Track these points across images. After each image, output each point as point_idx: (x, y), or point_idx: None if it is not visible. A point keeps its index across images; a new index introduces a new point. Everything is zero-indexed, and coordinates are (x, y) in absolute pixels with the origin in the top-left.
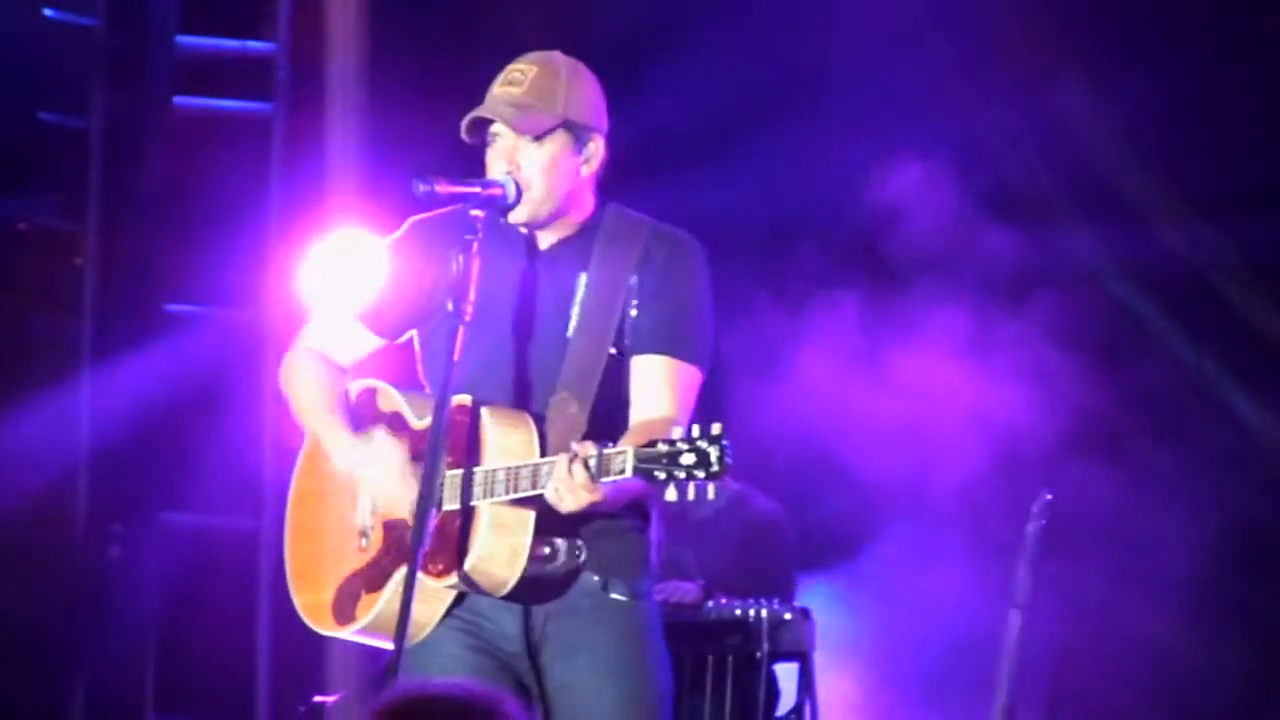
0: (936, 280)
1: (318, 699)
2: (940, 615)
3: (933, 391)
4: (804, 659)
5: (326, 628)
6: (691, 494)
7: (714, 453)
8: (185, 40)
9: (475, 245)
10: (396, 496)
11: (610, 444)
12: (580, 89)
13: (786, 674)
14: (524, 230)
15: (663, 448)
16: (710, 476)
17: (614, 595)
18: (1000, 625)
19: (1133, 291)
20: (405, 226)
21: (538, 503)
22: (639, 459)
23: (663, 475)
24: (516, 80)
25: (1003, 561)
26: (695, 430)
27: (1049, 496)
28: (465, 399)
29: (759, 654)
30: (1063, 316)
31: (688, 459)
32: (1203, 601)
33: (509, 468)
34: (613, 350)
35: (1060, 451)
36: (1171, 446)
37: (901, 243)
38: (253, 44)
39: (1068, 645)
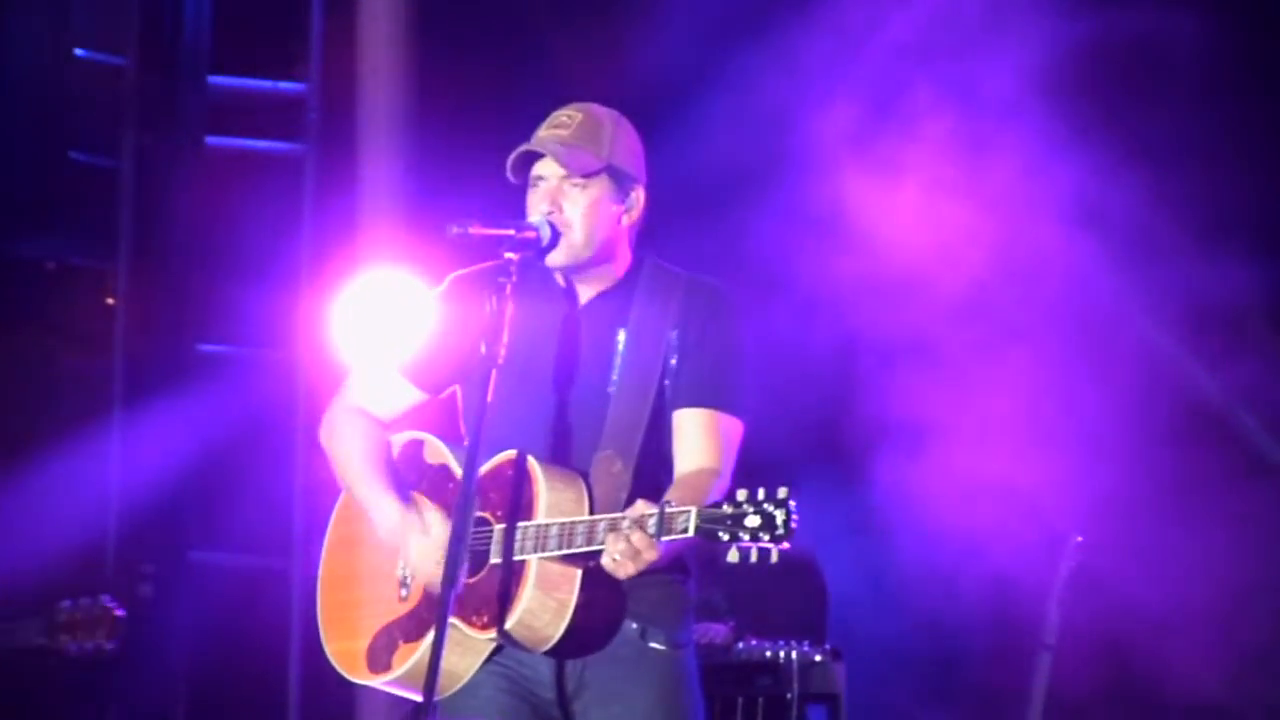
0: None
1: None
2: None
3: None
4: (834, 701)
5: (360, 676)
6: (755, 557)
7: (780, 516)
8: (217, 80)
9: (509, 288)
10: (440, 576)
11: (670, 503)
12: (624, 139)
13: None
14: (562, 283)
15: (727, 509)
16: (775, 540)
17: (653, 644)
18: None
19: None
20: (447, 281)
21: (585, 560)
22: (702, 519)
23: (726, 536)
24: (564, 124)
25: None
26: (761, 492)
27: (1080, 539)
28: (512, 453)
29: (789, 695)
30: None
31: (752, 521)
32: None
33: (563, 523)
34: (654, 406)
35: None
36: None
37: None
38: (284, 84)
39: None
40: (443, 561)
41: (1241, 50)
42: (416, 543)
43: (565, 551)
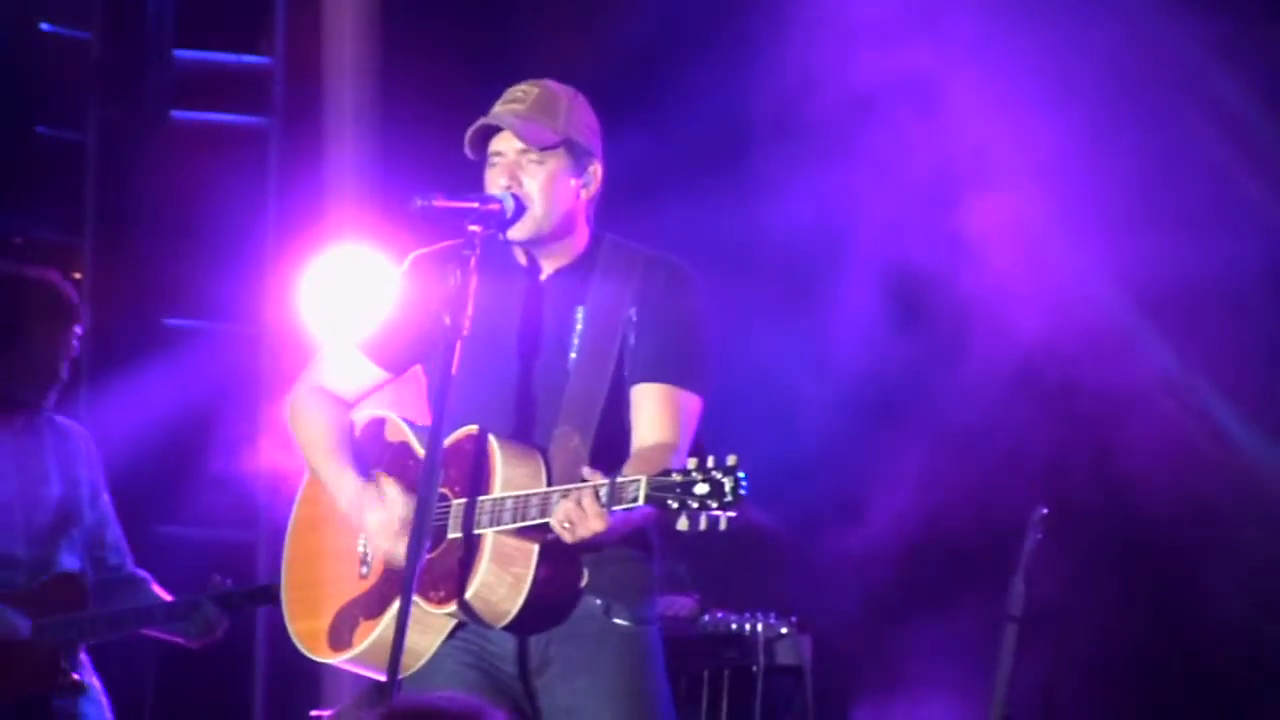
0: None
1: (314, 714)
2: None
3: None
4: (800, 673)
5: (322, 654)
6: (704, 524)
7: (728, 484)
8: (182, 53)
9: (473, 261)
10: (400, 551)
11: (618, 473)
12: (580, 113)
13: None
14: (523, 260)
15: (676, 477)
16: (724, 507)
17: (617, 620)
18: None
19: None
20: (408, 261)
21: (542, 534)
22: (651, 487)
23: (675, 504)
24: (519, 99)
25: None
26: (710, 460)
27: (1044, 511)
28: (472, 428)
29: (755, 668)
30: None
31: (701, 489)
32: (1199, 611)
33: (517, 496)
34: (612, 382)
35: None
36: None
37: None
38: (249, 57)
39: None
40: (401, 535)
41: None
42: (374, 516)
43: (521, 524)
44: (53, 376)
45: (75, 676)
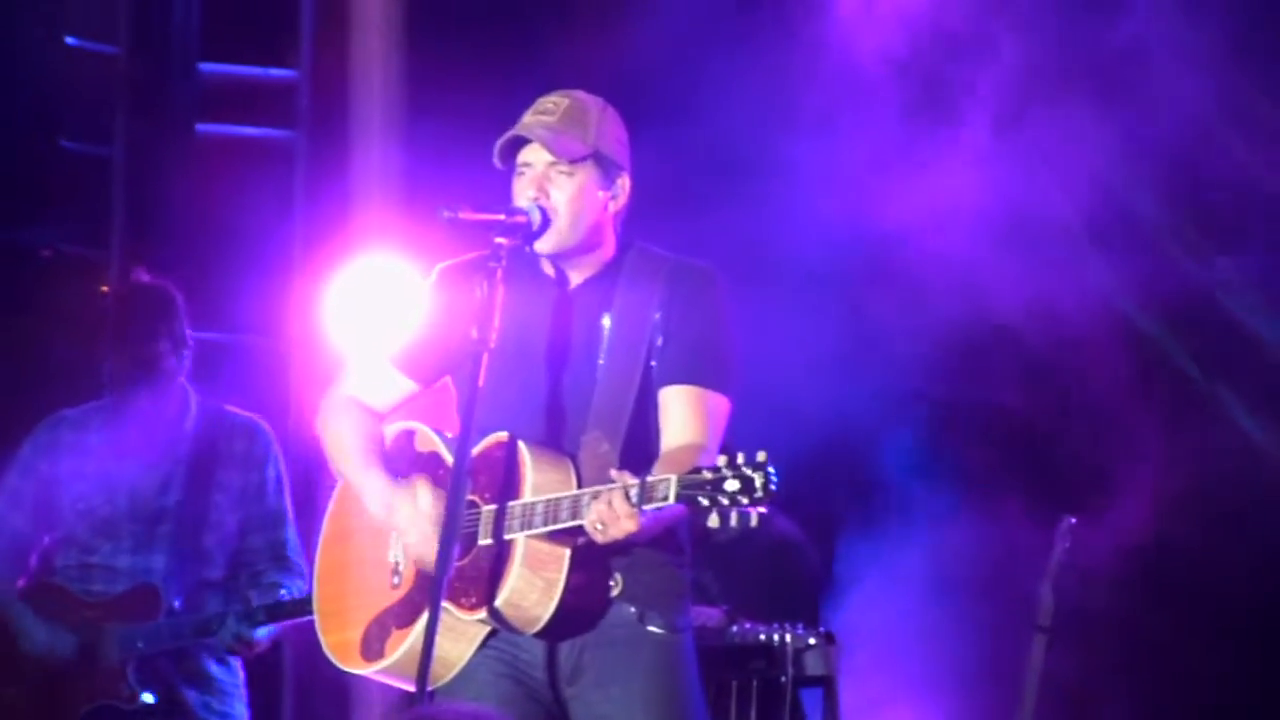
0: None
1: None
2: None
3: None
4: (828, 684)
5: (353, 665)
6: (735, 521)
7: (758, 479)
8: (207, 67)
9: (499, 272)
10: (429, 549)
11: (648, 473)
12: (610, 126)
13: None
14: (550, 270)
15: (707, 474)
16: (754, 503)
17: (651, 628)
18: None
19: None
20: (435, 272)
21: (573, 539)
22: (682, 485)
23: (706, 501)
24: (550, 110)
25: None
26: (740, 457)
27: (1073, 520)
28: (502, 435)
29: (783, 679)
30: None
31: (732, 485)
32: (1219, 625)
33: (548, 500)
34: (640, 387)
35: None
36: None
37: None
38: (275, 70)
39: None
40: (432, 534)
41: None
42: (405, 514)
43: (552, 527)
44: (144, 376)
45: (133, 689)
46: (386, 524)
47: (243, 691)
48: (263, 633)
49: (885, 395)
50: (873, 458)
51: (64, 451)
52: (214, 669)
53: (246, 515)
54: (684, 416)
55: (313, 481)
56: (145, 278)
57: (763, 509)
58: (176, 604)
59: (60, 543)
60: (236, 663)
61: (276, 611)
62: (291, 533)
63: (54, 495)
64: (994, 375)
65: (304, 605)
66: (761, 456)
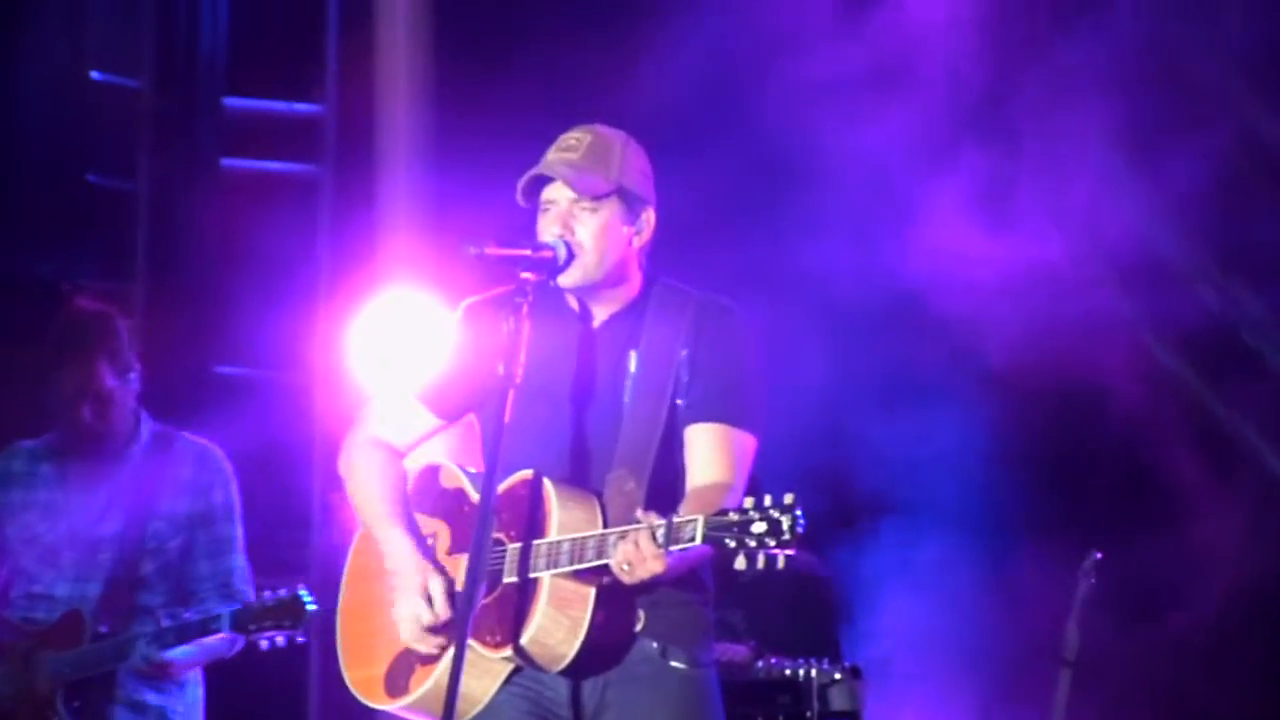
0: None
1: None
2: None
3: None
4: (854, 718)
5: (378, 701)
6: (761, 563)
7: (786, 521)
8: (232, 102)
9: (525, 308)
10: (418, 646)
11: (678, 513)
12: (633, 160)
13: None
14: (575, 306)
15: (734, 516)
16: (781, 545)
17: (674, 663)
18: None
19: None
20: (460, 308)
21: (598, 577)
22: (709, 526)
23: (733, 543)
24: (572, 146)
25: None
26: (768, 499)
27: (1098, 555)
28: (527, 473)
29: (809, 714)
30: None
31: (759, 527)
32: (1234, 658)
33: (574, 539)
34: (666, 424)
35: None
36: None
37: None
38: (300, 105)
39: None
40: (424, 636)
41: None
42: (408, 607)
43: (577, 566)
44: (85, 402)
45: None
46: (397, 588)
47: (193, 717)
48: (179, 653)
49: (912, 428)
50: (899, 491)
51: (14, 482)
52: (150, 696)
53: (191, 542)
54: (710, 455)
55: (335, 518)
56: (86, 303)
57: (790, 551)
58: (102, 629)
59: (12, 574)
60: (187, 688)
61: (185, 632)
62: (239, 560)
63: (2, 526)
64: (1022, 411)
65: (210, 624)
66: (789, 499)
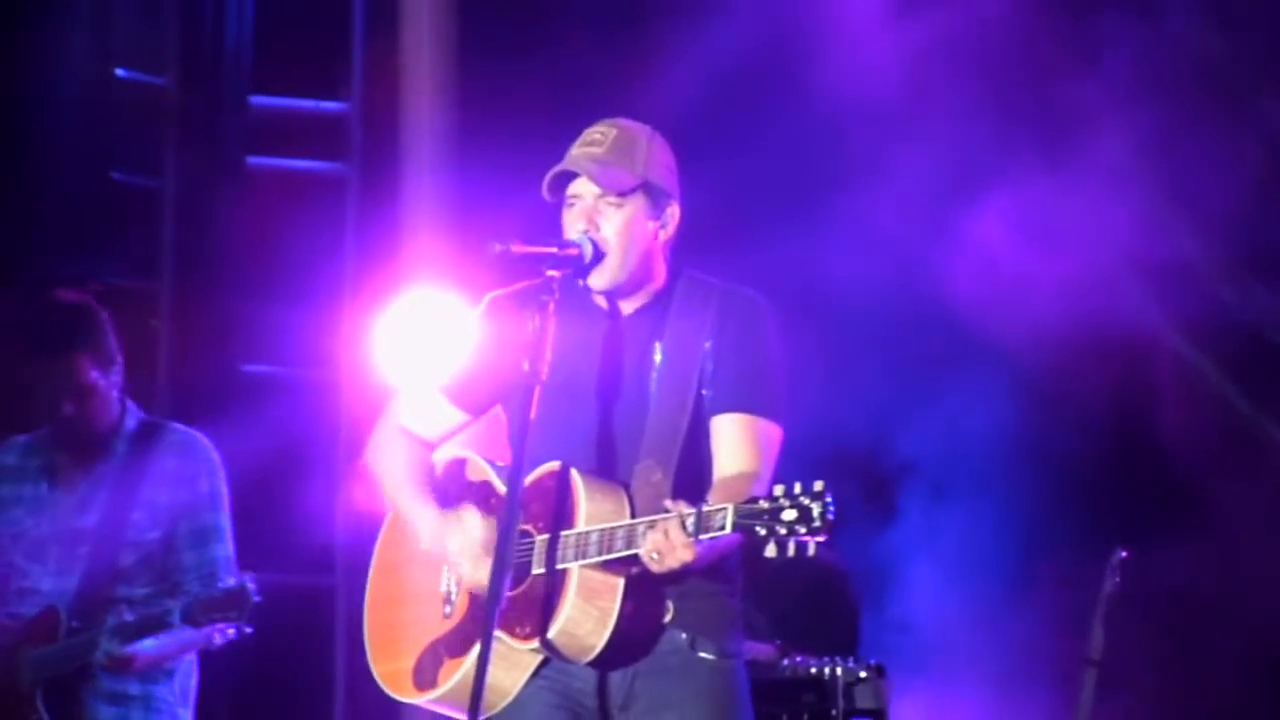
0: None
1: None
2: None
3: None
4: (879, 717)
5: (407, 695)
6: (792, 550)
7: (816, 509)
8: (258, 100)
9: (551, 306)
10: (482, 575)
11: (707, 501)
12: (658, 154)
13: None
14: (601, 300)
15: (764, 504)
16: (812, 532)
17: (702, 654)
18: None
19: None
20: (485, 301)
21: (627, 568)
22: (739, 514)
23: (763, 531)
24: (597, 141)
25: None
26: (797, 487)
27: (1124, 554)
28: (554, 465)
29: (834, 712)
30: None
31: (789, 515)
32: (1260, 658)
33: (602, 529)
34: (692, 415)
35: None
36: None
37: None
38: (326, 103)
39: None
40: (481, 558)
41: None
42: (456, 541)
43: (606, 557)
44: (68, 395)
45: (41, 715)
46: (439, 555)
47: (181, 707)
48: (144, 646)
49: (939, 430)
50: (927, 489)
51: (4, 477)
52: (133, 687)
53: (175, 532)
54: (737, 444)
55: (363, 514)
56: (67, 296)
57: (821, 538)
58: (74, 624)
59: (5, 568)
60: (175, 677)
61: (144, 627)
62: (224, 550)
63: None
64: (1050, 410)
65: (165, 618)
66: (819, 486)
